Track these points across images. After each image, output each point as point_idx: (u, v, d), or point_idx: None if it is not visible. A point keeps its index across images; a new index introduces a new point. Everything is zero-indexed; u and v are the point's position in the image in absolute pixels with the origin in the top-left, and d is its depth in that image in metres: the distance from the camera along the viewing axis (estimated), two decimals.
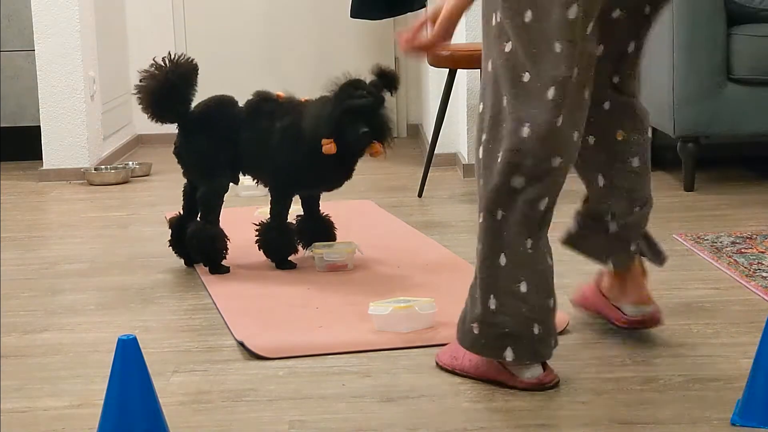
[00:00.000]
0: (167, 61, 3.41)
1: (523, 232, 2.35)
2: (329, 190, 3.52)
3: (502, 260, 2.36)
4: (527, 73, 2.31)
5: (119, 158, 5.70)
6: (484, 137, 2.39)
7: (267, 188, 3.50)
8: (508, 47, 2.34)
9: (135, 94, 3.44)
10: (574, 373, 2.47)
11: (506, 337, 2.36)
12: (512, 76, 2.33)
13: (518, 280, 2.35)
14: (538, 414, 2.25)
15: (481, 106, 2.42)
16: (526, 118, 2.31)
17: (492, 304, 2.37)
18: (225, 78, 6.29)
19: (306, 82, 6.34)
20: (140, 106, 3.44)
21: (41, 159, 5.30)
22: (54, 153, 5.27)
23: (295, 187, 3.48)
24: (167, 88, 3.40)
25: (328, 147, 3.32)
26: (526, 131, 2.31)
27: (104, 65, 5.61)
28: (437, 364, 2.56)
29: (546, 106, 2.30)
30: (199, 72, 3.47)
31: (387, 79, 3.39)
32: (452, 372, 2.50)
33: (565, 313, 2.85)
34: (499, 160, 2.34)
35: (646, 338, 2.70)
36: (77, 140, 5.26)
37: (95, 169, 5.21)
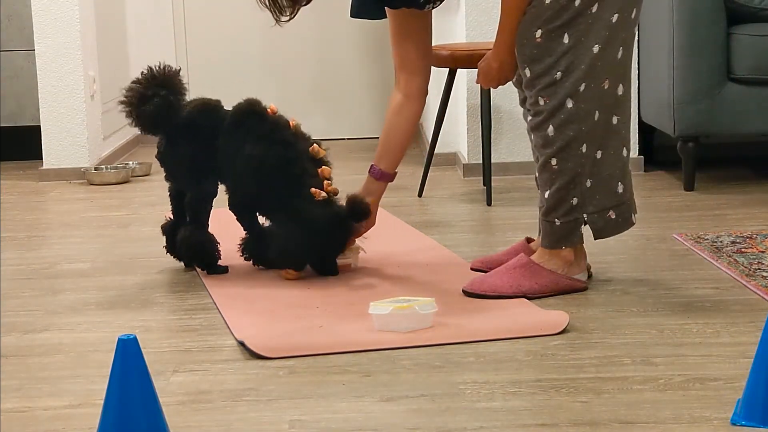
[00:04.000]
0: (151, 75, 3.36)
1: None
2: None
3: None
4: None
5: (119, 158, 5.70)
6: None
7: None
8: None
9: (128, 119, 3.39)
10: (574, 373, 2.48)
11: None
12: None
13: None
14: (538, 414, 2.25)
15: None
16: None
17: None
18: (225, 78, 6.30)
19: (306, 81, 6.36)
20: (135, 127, 3.41)
21: (41, 159, 5.30)
22: (54, 153, 5.27)
23: (251, 209, 3.44)
24: (166, 109, 3.36)
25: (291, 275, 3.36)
26: None
27: (104, 65, 5.61)
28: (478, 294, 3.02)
29: None
30: (181, 76, 3.43)
31: (357, 213, 3.34)
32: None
33: (565, 312, 2.86)
34: None
35: (647, 338, 2.71)
36: (77, 140, 5.26)
37: (95, 169, 5.21)
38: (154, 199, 4.69)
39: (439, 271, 3.37)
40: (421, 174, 4.66)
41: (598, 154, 3.07)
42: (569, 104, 3.02)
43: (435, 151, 4.72)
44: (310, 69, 6.38)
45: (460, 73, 4.78)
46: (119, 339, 2.06)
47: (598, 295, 3.09)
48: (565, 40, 3.01)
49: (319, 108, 6.32)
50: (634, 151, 4.92)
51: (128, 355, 2.05)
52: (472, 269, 3.34)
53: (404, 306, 2.76)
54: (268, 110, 3.40)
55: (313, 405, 2.34)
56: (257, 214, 3.44)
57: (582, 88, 3.01)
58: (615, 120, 3.08)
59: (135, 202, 4.70)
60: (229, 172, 3.40)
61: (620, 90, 3.08)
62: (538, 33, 3.02)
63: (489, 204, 4.38)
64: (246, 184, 3.37)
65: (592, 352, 2.61)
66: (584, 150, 3.05)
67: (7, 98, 5.76)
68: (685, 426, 2.16)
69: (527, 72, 3.06)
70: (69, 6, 5.18)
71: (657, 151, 5.14)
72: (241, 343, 2.72)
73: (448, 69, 4.45)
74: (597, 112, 3.04)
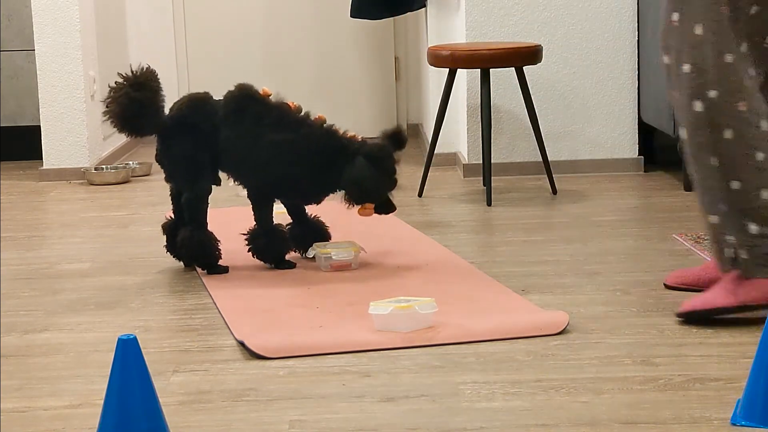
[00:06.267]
0: (125, 79, 3.36)
1: None
2: (307, 204, 3.54)
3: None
4: None
5: (119, 158, 5.70)
6: None
7: (245, 190, 3.50)
8: None
9: (105, 120, 3.42)
10: (574, 373, 2.48)
11: None
12: None
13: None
14: (538, 414, 2.26)
15: None
16: None
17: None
18: (225, 77, 6.28)
19: (306, 81, 6.36)
20: (115, 130, 3.43)
21: (41, 159, 5.30)
22: (54, 153, 5.27)
23: (274, 196, 3.48)
24: (134, 106, 3.36)
25: (367, 212, 3.45)
26: None
27: (104, 65, 5.61)
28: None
29: None
30: (158, 76, 3.43)
31: (396, 140, 3.53)
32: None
33: (565, 312, 2.86)
34: None
35: (646, 338, 2.71)
36: (77, 140, 5.26)
37: (95, 169, 5.21)
38: (154, 199, 4.69)
39: (439, 271, 3.37)
40: (421, 174, 4.66)
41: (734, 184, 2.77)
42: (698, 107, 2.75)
43: (435, 151, 4.72)
44: (311, 67, 6.38)
45: (460, 73, 4.79)
46: (119, 339, 2.06)
47: (598, 295, 3.09)
48: (698, 31, 2.75)
49: (320, 106, 6.29)
50: (633, 151, 4.91)
51: (128, 355, 2.05)
52: (668, 286, 3.14)
53: (404, 306, 2.76)
54: (261, 93, 3.43)
55: (313, 405, 2.34)
56: (296, 199, 3.51)
57: (713, 94, 2.73)
58: (761, 157, 2.75)
59: (135, 202, 4.70)
60: (242, 161, 3.40)
61: (764, 125, 2.75)
62: (675, 16, 2.78)
63: (489, 204, 4.38)
64: (273, 168, 3.38)
65: (592, 352, 2.62)
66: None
67: (7, 98, 5.76)
68: (685, 426, 2.16)
69: (665, 59, 2.82)
70: (69, 6, 5.18)
71: (657, 151, 5.14)
72: (241, 343, 2.72)
73: (448, 69, 4.45)
74: (731, 130, 2.74)
